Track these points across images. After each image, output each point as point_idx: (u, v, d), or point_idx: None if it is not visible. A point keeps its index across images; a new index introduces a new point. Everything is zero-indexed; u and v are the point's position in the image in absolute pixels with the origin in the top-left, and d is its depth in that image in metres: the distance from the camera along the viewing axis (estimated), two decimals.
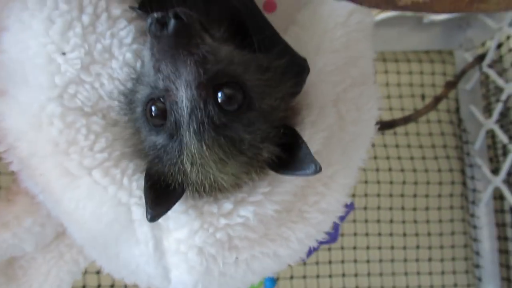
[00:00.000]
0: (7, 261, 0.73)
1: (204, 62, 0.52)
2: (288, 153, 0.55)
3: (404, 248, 1.91)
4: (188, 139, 0.54)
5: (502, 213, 1.87)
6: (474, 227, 1.94)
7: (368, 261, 1.94)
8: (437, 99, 1.81)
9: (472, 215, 1.95)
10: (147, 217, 0.56)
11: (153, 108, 0.56)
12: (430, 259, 2.01)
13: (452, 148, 1.99)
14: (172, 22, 0.50)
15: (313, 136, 0.59)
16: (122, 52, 0.61)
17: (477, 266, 1.94)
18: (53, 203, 0.63)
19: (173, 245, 0.59)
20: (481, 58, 1.86)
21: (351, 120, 0.66)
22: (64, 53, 0.59)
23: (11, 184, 0.73)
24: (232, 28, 0.61)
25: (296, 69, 0.60)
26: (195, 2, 0.64)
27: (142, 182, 0.59)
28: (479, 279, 1.94)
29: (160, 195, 0.57)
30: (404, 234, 1.95)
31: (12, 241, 0.69)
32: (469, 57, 1.89)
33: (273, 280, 1.21)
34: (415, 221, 1.98)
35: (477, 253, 1.94)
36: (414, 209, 1.95)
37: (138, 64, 0.61)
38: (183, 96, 0.52)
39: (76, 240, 0.68)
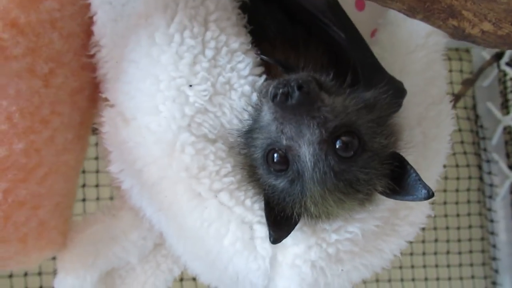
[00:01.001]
0: (107, 272, 0.80)
1: (325, 122, 0.60)
2: (396, 178, 0.63)
3: (423, 242, 1.98)
4: (311, 186, 0.62)
5: None
6: (491, 220, 2.04)
7: None
8: (457, 97, 1.89)
9: (489, 209, 2.04)
10: (270, 239, 0.64)
11: (275, 155, 0.63)
12: (448, 252, 2.10)
13: (469, 144, 2.07)
14: (296, 95, 0.57)
15: (407, 157, 0.66)
16: (240, 84, 0.69)
17: (494, 258, 2.05)
18: (169, 220, 0.71)
19: (289, 259, 0.67)
20: (498, 56, 1.95)
21: (432, 137, 0.74)
22: (190, 85, 0.67)
23: (115, 201, 0.80)
24: (328, 59, 0.69)
25: (395, 92, 0.67)
26: (294, 35, 0.72)
27: (261, 204, 0.67)
28: (496, 271, 2.05)
29: (279, 220, 0.65)
30: (423, 229, 2.05)
31: (121, 254, 0.77)
32: (486, 55, 1.96)
33: None
34: (434, 216, 2.08)
35: (494, 246, 2.04)
36: (432, 202, 2.05)
37: (254, 96, 0.69)
38: (306, 152, 0.61)
39: (176, 251, 0.76)
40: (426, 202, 0.73)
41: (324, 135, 0.60)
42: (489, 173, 1.98)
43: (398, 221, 0.72)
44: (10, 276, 1.77)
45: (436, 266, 2.14)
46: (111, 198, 1.56)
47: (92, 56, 0.75)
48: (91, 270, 0.75)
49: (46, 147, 0.70)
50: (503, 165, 1.91)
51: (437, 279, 2.13)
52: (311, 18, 0.70)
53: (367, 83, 0.66)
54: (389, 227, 0.71)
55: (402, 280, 2.12)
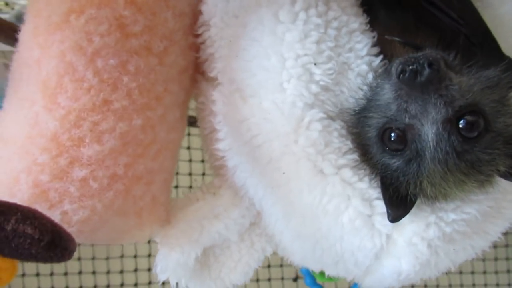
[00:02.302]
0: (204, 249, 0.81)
1: (452, 101, 0.59)
2: None
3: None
4: (432, 166, 0.61)
5: None
6: None
7: None
8: None
9: None
10: (388, 218, 0.65)
11: (392, 134, 0.63)
12: (472, 259, 2.11)
13: None
14: (426, 72, 0.56)
15: None
16: (357, 64, 0.69)
17: None
18: (279, 198, 0.71)
19: (406, 236, 0.67)
20: None
21: None
22: (315, 64, 0.67)
23: (214, 179, 0.81)
24: (438, 41, 0.69)
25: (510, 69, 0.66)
26: (405, 19, 0.73)
27: (377, 182, 0.67)
28: None
29: (395, 199, 0.65)
30: None
31: (223, 232, 0.77)
32: None
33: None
34: None
35: None
36: None
37: (369, 75, 0.69)
38: (429, 131, 0.60)
39: (273, 229, 0.77)
40: None
41: (450, 114, 0.59)
42: None
43: (506, 203, 0.71)
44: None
45: (460, 272, 2.14)
46: (203, 174, 1.60)
47: (198, 35, 0.76)
48: (196, 246, 0.75)
49: (159, 124, 0.71)
50: None
51: (461, 285, 2.13)
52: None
53: (485, 62, 0.65)
54: (496, 210, 0.71)
55: (425, 286, 2.13)
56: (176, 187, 1.66)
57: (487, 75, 0.64)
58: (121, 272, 1.86)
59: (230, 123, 0.71)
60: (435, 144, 0.60)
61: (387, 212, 0.65)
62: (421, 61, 0.57)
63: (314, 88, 0.67)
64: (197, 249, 0.76)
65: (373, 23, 0.72)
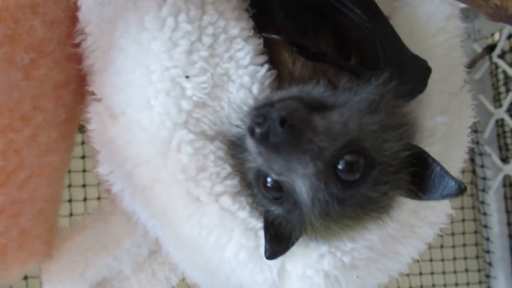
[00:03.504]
0: (98, 282, 0.72)
1: (320, 152, 0.49)
2: (416, 178, 0.54)
3: None
4: (312, 218, 0.53)
5: None
6: (484, 214, 2.01)
7: None
8: None
9: (482, 202, 2.02)
10: (265, 254, 0.57)
11: (268, 180, 0.54)
12: (441, 246, 2.08)
13: None
14: (279, 132, 0.47)
15: (429, 151, 0.55)
16: (239, 74, 0.60)
17: (488, 251, 2.02)
18: (164, 226, 0.63)
19: (298, 269, 0.60)
20: (490, 48, 1.91)
21: (455, 130, 0.65)
22: (187, 77, 0.58)
23: (104, 205, 0.72)
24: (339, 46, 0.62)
25: (418, 72, 0.59)
26: (303, 20, 0.65)
27: (260, 212, 0.59)
28: (490, 264, 2.02)
29: (278, 235, 0.57)
30: None
31: (112, 264, 0.69)
32: (477, 47, 1.93)
33: None
34: None
35: (487, 239, 2.02)
36: None
37: (254, 87, 0.60)
38: (302, 186, 0.51)
39: (174, 258, 0.68)
40: (447, 200, 0.67)
41: (320, 167, 0.50)
42: (482, 166, 1.95)
43: (418, 222, 0.64)
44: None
45: (431, 260, 2.12)
46: (99, 198, 1.48)
47: (78, 45, 0.66)
48: (80, 282, 0.66)
49: (27, 147, 0.62)
50: (495, 158, 1.88)
51: (432, 273, 2.11)
52: None
53: (388, 62, 0.57)
54: (408, 229, 0.63)
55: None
56: (71, 215, 1.51)
57: (366, 98, 0.54)
58: None
59: (103, 145, 0.62)
60: (311, 197, 0.51)
61: (265, 247, 0.57)
62: (273, 117, 0.47)
63: (186, 104, 0.58)
64: (82, 284, 0.67)
65: (266, 27, 0.64)
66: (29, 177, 0.62)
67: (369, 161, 0.51)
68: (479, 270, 2.13)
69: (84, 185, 1.53)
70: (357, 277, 0.60)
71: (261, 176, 0.55)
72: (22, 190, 0.62)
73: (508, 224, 1.97)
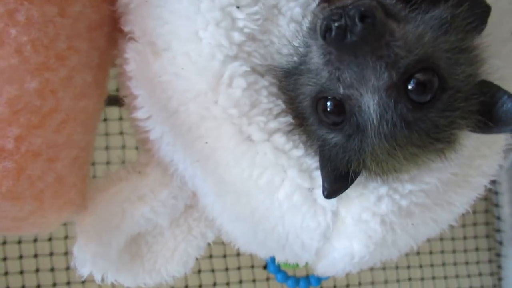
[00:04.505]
0: (132, 237, 0.69)
1: (396, 61, 0.46)
2: (484, 110, 0.50)
3: None
4: (377, 143, 0.49)
5: None
6: (496, 193, 2.00)
7: None
8: None
9: (494, 181, 1.99)
10: (323, 193, 0.53)
11: (328, 104, 0.50)
12: (451, 225, 2.07)
13: None
14: (358, 28, 0.42)
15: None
16: (290, 7, 0.55)
17: (498, 230, 2.01)
18: (207, 173, 0.59)
19: (355, 213, 0.56)
20: None
21: (508, 76, 0.58)
22: (238, 7, 0.53)
23: (139, 157, 0.68)
24: None
25: (479, 8, 0.53)
26: None
27: (315, 150, 0.55)
28: (500, 243, 2.01)
29: (335, 172, 0.53)
30: None
31: (149, 215, 0.64)
32: None
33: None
34: None
35: (498, 218, 2.00)
36: None
37: (305, 21, 0.55)
38: (370, 101, 0.47)
39: (212, 212, 0.65)
40: (501, 150, 0.63)
41: (394, 78, 0.46)
42: None
43: (472, 171, 0.60)
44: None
45: (441, 239, 2.11)
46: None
47: None
48: (116, 234, 0.62)
49: (63, 88, 0.57)
50: (508, 136, 1.86)
51: (442, 252, 2.10)
52: None
53: None
54: (462, 178, 0.60)
55: (406, 254, 2.07)
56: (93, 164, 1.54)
57: (438, 16, 0.49)
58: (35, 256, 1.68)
59: (144, 85, 0.58)
60: (378, 116, 0.47)
61: (323, 185, 0.53)
62: (351, 13, 0.43)
63: (237, 36, 0.54)
64: (119, 237, 0.63)
65: None
66: (65, 121, 0.58)
67: (441, 83, 0.48)
68: (489, 249, 2.12)
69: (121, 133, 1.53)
70: (412, 224, 0.57)
71: (320, 99, 0.50)
72: (58, 134, 0.57)
73: None
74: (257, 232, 0.62)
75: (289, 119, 0.56)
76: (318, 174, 0.55)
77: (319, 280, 1.22)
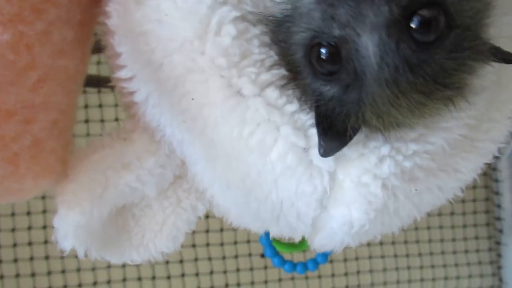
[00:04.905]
0: (118, 210, 0.64)
1: None
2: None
3: None
4: (377, 91, 0.43)
5: None
6: (496, 180, 1.97)
7: None
8: None
9: (494, 169, 1.97)
10: (319, 151, 0.48)
11: (322, 51, 0.44)
12: (452, 213, 2.04)
13: None
14: None
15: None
16: None
17: (498, 218, 1.98)
18: (195, 134, 0.54)
19: (354, 175, 0.51)
20: None
21: None
22: None
23: (125, 122, 0.63)
24: None
25: None
26: None
27: (310, 105, 0.49)
28: (500, 231, 1.98)
29: (332, 129, 0.48)
30: None
31: (135, 184, 0.60)
32: None
33: (326, 257, 1.16)
34: None
35: (499, 206, 1.97)
36: None
37: None
38: (368, 42, 0.41)
39: (202, 182, 0.60)
40: (510, 117, 0.58)
41: (395, 13, 0.40)
42: None
43: (480, 135, 0.55)
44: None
45: (441, 227, 2.09)
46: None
47: None
48: (99, 204, 0.58)
49: (39, 44, 0.52)
50: None
51: (442, 240, 2.08)
52: None
53: None
54: (469, 142, 0.55)
55: (406, 242, 2.05)
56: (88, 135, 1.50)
57: None
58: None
59: (127, 40, 0.53)
60: (378, 59, 0.41)
61: (319, 143, 0.48)
62: None
63: None
64: (102, 207, 0.58)
65: None
66: (42, 80, 0.53)
67: (448, 20, 0.42)
68: (489, 237, 2.10)
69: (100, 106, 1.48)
70: (416, 190, 0.52)
71: (314, 46, 0.45)
72: (34, 93, 0.53)
73: None
74: (249, 202, 0.57)
75: (282, 71, 0.50)
76: (313, 132, 0.50)
77: (316, 264, 1.17)
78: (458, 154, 0.55)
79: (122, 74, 0.55)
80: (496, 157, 1.87)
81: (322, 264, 1.20)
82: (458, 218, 2.03)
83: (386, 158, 0.50)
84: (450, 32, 0.43)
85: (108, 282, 1.73)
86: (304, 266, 1.18)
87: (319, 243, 0.62)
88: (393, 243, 2.00)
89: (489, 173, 1.98)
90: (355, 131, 0.49)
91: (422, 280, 2.01)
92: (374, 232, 0.58)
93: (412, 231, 2.02)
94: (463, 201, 2.03)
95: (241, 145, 0.51)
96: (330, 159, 0.49)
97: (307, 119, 0.50)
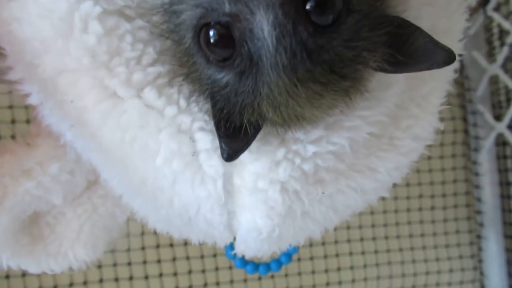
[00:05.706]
0: (31, 218, 0.60)
1: None
2: (394, 46, 0.41)
3: (407, 198, 1.89)
4: (274, 79, 0.39)
5: (504, 159, 1.85)
6: (476, 174, 1.92)
7: (372, 213, 1.92)
8: None
9: (474, 162, 1.92)
10: (222, 156, 0.43)
11: (211, 33, 0.39)
12: (432, 208, 2.00)
13: (454, 96, 1.95)
14: None
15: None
16: None
17: (479, 212, 1.94)
18: (88, 139, 0.49)
19: (248, 181, 0.47)
20: (485, 2, 1.80)
21: (446, 15, 0.50)
22: None
23: (31, 125, 0.59)
24: None
25: None
26: None
27: (203, 105, 0.46)
28: (481, 225, 1.94)
29: (232, 128, 0.43)
30: (407, 184, 1.93)
31: (36, 192, 0.56)
32: (472, 1, 1.80)
33: (290, 257, 1.12)
34: (418, 171, 1.96)
35: (479, 200, 1.93)
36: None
37: None
38: (264, 22, 0.37)
39: (113, 187, 0.56)
40: (436, 113, 0.53)
41: None
42: (474, 125, 1.85)
43: (399, 132, 0.51)
44: None
45: (421, 222, 2.05)
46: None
47: None
48: (0, 213, 0.54)
49: None
50: (488, 116, 1.77)
51: (422, 235, 2.03)
52: None
53: None
54: (386, 141, 0.50)
55: (386, 238, 2.01)
56: None
57: None
58: None
59: (3, 39, 0.48)
60: (274, 41, 0.37)
61: (220, 146, 0.43)
62: None
63: None
64: (4, 216, 0.54)
65: None
66: None
67: (346, 3, 0.38)
68: (470, 231, 2.05)
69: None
70: (323, 193, 0.47)
71: (202, 28, 0.40)
72: None
73: (500, 183, 1.88)
74: (157, 208, 0.53)
75: (161, 69, 0.45)
76: (202, 136, 0.45)
77: (280, 265, 1.13)
78: (373, 153, 0.49)
79: (12, 76, 0.51)
80: (476, 150, 1.79)
81: (285, 265, 1.16)
82: (439, 212, 1.98)
83: (282, 162, 0.46)
84: (348, 16, 0.39)
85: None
86: (267, 266, 1.14)
87: (238, 248, 0.57)
88: (373, 239, 1.97)
89: (469, 166, 1.93)
90: (257, 129, 0.44)
91: (403, 275, 1.97)
92: (289, 237, 0.53)
93: (393, 226, 1.98)
94: (443, 195, 1.98)
95: (128, 151, 0.46)
96: (219, 164, 0.45)
97: (193, 122, 0.46)
